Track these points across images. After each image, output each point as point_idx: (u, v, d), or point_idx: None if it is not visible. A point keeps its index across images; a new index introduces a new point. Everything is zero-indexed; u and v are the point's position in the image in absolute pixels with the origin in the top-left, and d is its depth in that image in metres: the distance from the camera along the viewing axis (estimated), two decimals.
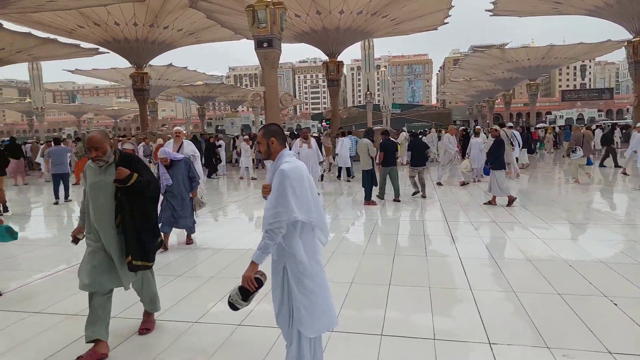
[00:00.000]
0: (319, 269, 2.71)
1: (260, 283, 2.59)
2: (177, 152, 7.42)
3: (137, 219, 3.33)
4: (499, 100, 67.79)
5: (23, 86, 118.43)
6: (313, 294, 2.62)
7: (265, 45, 20.06)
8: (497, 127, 10.33)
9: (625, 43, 30.73)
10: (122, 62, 31.44)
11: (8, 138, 20.41)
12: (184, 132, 7.60)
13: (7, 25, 25.68)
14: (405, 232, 7.22)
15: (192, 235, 6.74)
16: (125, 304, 4.13)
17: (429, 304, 4.10)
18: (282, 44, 21.41)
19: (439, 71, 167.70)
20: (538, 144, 27.26)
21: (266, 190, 2.70)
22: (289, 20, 26.11)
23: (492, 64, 49.67)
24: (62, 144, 13.55)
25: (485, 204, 9.31)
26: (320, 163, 12.25)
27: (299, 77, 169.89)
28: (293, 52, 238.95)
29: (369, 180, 10.01)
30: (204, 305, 4.22)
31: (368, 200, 9.86)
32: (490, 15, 34.24)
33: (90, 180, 3.35)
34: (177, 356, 3.29)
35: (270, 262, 2.70)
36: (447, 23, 34.32)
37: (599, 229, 7.09)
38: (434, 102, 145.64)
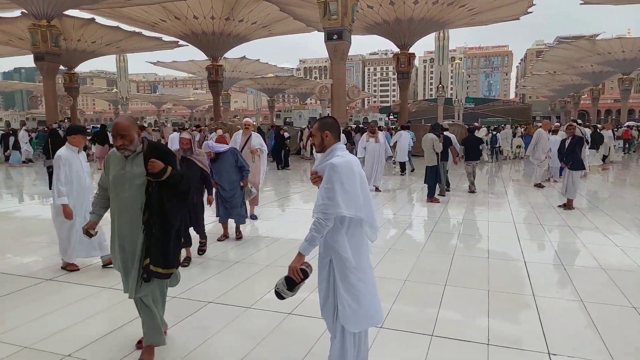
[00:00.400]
0: (366, 265, 2.69)
1: (305, 274, 2.60)
2: (245, 144, 7.45)
3: (166, 218, 2.94)
4: (586, 95, 62.61)
5: (111, 77, 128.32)
6: (358, 291, 2.60)
7: (335, 37, 20.07)
8: (574, 123, 9.55)
9: None
10: (200, 55, 33.03)
11: (98, 125, 22.32)
12: (253, 123, 7.44)
13: (99, 19, 27.95)
14: (468, 231, 6.95)
15: (242, 227, 6.53)
16: (186, 284, 4.37)
17: (485, 308, 3.93)
18: (352, 36, 21.32)
19: (520, 64, 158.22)
20: (629, 144, 24.89)
21: (314, 177, 2.71)
22: (361, 11, 25.90)
23: (579, 56, 45.90)
24: (144, 131, 14.60)
25: (560, 206, 8.70)
26: (389, 159, 11.61)
27: (368, 69, 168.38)
28: (364, 44, 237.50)
29: (432, 176, 9.72)
30: (258, 292, 4.37)
31: (431, 197, 9.59)
32: (581, 4, 31.63)
33: (114, 171, 3.00)
34: (230, 338, 3.44)
35: (317, 255, 2.71)
36: (531, 12, 32.23)
37: None
38: (512, 96, 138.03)
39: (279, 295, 2.67)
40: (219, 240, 6.20)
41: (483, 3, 28.42)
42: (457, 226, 7.32)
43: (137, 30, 30.11)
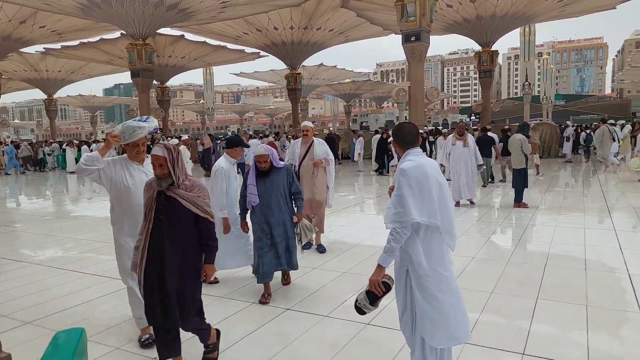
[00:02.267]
0: (447, 275, 2.56)
1: (387, 287, 2.53)
2: (305, 155, 5.95)
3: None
4: None
5: (198, 89, 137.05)
6: (437, 301, 2.48)
7: (412, 39, 19.71)
8: None
9: None
10: (279, 64, 34.17)
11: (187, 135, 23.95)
12: (313, 128, 6.11)
13: (188, 36, 30.03)
14: (561, 239, 6.40)
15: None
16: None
17: (584, 325, 3.59)
18: (431, 36, 20.80)
19: (616, 56, 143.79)
20: None
21: (390, 191, 2.65)
22: (440, 11, 25.19)
23: None
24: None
25: None
26: (479, 167, 9.73)
27: (448, 69, 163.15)
28: (442, 44, 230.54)
29: (520, 180, 9.12)
30: (335, 299, 4.35)
31: (519, 202, 9.01)
32: None
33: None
34: (308, 346, 3.46)
35: (394, 265, 2.64)
36: (630, 0, 29.20)
37: None
38: (608, 91, 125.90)
39: (360, 311, 2.60)
40: (261, 302, 4.31)
41: None
42: (548, 233, 6.78)
43: (222, 44, 31.91)
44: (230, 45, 32.27)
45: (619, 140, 15.14)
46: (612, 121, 17.24)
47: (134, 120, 3.44)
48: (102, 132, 79.02)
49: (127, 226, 3.45)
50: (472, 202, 9.46)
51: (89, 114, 66.19)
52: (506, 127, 15.68)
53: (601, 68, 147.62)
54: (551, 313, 3.86)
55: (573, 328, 3.56)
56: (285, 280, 4.85)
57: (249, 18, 27.11)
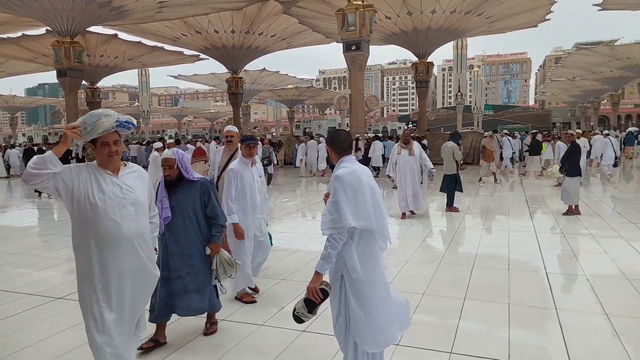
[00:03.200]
0: (380, 279, 2.63)
1: (325, 294, 2.54)
2: (226, 166, 4.92)
3: None
4: (606, 101, 61.39)
5: (133, 91, 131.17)
6: (371, 306, 2.54)
7: (353, 48, 20.18)
8: (572, 132, 9.69)
9: None
10: (220, 68, 33.58)
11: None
12: (238, 133, 5.29)
13: (121, 35, 28.71)
14: (487, 242, 6.81)
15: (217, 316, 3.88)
16: None
17: (506, 321, 3.83)
18: (370, 46, 21.38)
19: (539, 70, 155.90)
20: None
21: (326, 198, 2.69)
22: (379, 22, 25.98)
23: (599, 61, 44.99)
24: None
25: (564, 214, 8.60)
26: (430, 172, 8.79)
27: (387, 78, 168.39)
28: (383, 54, 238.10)
29: (452, 185, 9.59)
30: (272, 308, 4.32)
31: (450, 206, 9.46)
32: (599, 10, 31.04)
33: None
34: (241, 357, 3.39)
35: (328, 271, 2.66)
36: (549, 20, 31.81)
37: None
38: (531, 103, 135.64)
39: (298, 319, 2.59)
40: (142, 348, 3.34)
41: (501, 11, 28.20)
42: (476, 236, 7.19)
43: (159, 45, 30.81)
44: (167, 47, 31.24)
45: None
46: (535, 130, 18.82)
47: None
48: (24, 134, 73.22)
49: (96, 263, 2.51)
50: (413, 212, 9.01)
51: (8, 115, 61.22)
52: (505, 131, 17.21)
53: (525, 81, 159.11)
54: (477, 312, 4.09)
55: (496, 325, 3.79)
56: (206, 329, 3.70)
57: (188, 20, 26.43)
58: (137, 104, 53.80)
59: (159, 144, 11.20)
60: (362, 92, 21.73)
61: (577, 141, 10.03)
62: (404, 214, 8.74)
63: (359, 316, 2.53)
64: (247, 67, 34.66)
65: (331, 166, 17.42)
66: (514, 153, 18.97)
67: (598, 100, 62.82)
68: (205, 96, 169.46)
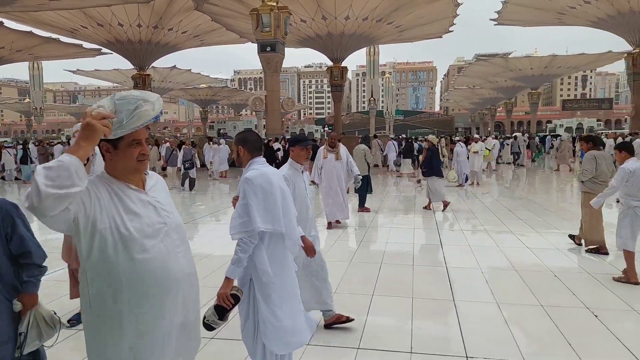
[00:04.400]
0: (290, 282, 2.64)
1: (237, 299, 2.47)
2: None
3: None
4: (501, 108, 67.80)
5: (23, 86, 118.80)
6: (280, 308, 2.53)
7: (268, 49, 20.11)
8: (431, 138, 10.82)
9: (625, 55, 30.73)
10: (125, 64, 31.61)
11: (6, 139, 20.49)
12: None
13: (8, 23, 25.84)
14: (395, 240, 7.13)
15: None
16: None
17: (409, 314, 4.02)
18: (287, 48, 21.47)
19: (443, 78, 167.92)
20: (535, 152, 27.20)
21: (235, 202, 2.64)
22: (294, 24, 26.16)
23: (495, 72, 49.69)
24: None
25: (424, 208, 9.86)
26: (356, 179, 8.16)
27: (304, 81, 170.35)
28: (300, 56, 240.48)
29: (364, 186, 9.92)
30: None
31: (362, 207, 9.78)
32: (495, 25, 34.23)
33: None
34: None
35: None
36: (452, 31, 34.32)
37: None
38: (437, 109, 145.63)
39: (209, 327, 2.48)
40: None
41: (409, 21, 29.84)
42: (385, 235, 7.50)
43: (54, 36, 28.18)
44: (65, 39, 28.70)
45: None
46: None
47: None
48: None
49: (128, 324, 1.69)
50: (339, 222, 8.27)
51: None
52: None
53: (432, 88, 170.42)
54: (384, 307, 4.25)
55: (401, 319, 3.96)
56: None
57: (89, 11, 24.53)
58: (28, 100, 48.76)
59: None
60: (278, 94, 21.73)
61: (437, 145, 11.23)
62: (329, 223, 8.04)
63: (268, 319, 2.51)
64: (155, 64, 33.02)
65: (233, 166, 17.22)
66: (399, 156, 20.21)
67: (494, 107, 69.20)
68: (108, 93, 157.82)
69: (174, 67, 41.41)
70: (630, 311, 4.06)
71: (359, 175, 8.23)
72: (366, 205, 9.85)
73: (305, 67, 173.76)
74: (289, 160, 3.57)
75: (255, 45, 20.73)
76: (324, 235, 7.53)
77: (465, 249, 6.48)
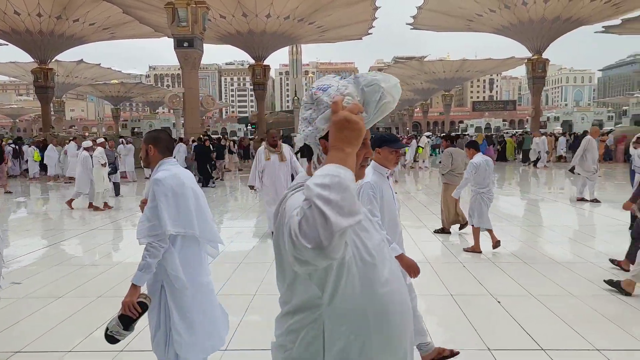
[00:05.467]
0: (205, 287, 2.54)
1: (144, 307, 2.34)
2: None
3: None
4: (418, 109, 71.48)
5: None
6: (196, 313, 2.44)
7: (185, 45, 19.38)
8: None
9: (526, 60, 33.86)
10: (24, 56, 28.75)
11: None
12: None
13: None
14: None
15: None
16: None
17: None
18: (206, 44, 20.82)
19: None
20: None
21: (143, 205, 2.49)
22: (213, 20, 25.48)
23: (411, 74, 52.24)
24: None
25: None
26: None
27: (225, 79, 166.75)
28: (220, 53, 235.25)
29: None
30: (83, 330, 3.79)
31: None
32: (411, 29, 35.97)
33: None
34: None
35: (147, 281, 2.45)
36: (371, 34, 35.49)
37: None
38: None
39: (113, 339, 2.32)
40: None
41: (330, 22, 30.35)
42: None
43: None
44: None
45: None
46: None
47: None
48: None
49: None
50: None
51: None
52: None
53: None
54: None
55: None
56: None
57: None
58: None
59: (88, 142, 10.83)
60: (197, 92, 21.04)
61: None
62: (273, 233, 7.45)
63: (181, 326, 2.41)
64: (60, 57, 30.42)
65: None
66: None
67: (412, 108, 72.79)
68: (4, 88, 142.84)
69: (81, 61, 38.46)
70: (528, 296, 4.43)
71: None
72: None
73: (226, 64, 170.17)
74: (372, 163, 2.96)
75: (171, 40, 19.87)
76: (241, 237, 7.39)
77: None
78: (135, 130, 36.36)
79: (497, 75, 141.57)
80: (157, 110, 69.79)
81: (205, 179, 14.45)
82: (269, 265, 5.60)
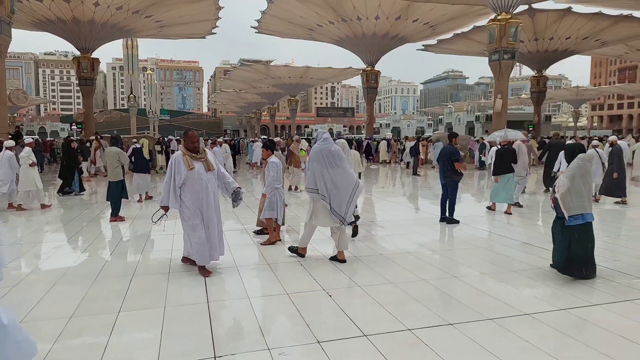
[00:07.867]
0: None
1: None
2: None
3: None
4: (266, 112, 72.76)
5: None
6: None
7: None
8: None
9: (361, 71, 37.20)
10: None
11: None
12: None
13: None
14: (153, 248, 6.74)
15: None
16: None
17: (159, 326, 3.80)
18: (17, 29, 17.80)
19: (210, 80, 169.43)
20: None
21: None
22: (27, 3, 22.06)
23: (258, 78, 52.88)
24: None
25: None
26: (235, 195, 5.53)
27: (44, 71, 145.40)
28: (37, 41, 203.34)
29: (118, 192, 9.03)
30: None
31: (116, 215, 8.86)
32: (256, 32, 36.36)
33: None
34: None
35: None
36: (215, 34, 34.85)
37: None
38: (205, 110, 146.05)
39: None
40: None
41: (170, 17, 28.92)
42: (142, 243, 7.00)
43: None
44: None
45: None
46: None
47: None
48: None
49: None
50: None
51: None
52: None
53: (199, 89, 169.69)
54: (131, 324, 3.91)
55: (150, 330, 3.72)
56: None
57: None
58: None
59: (10, 142, 10.34)
60: (4, 84, 17.91)
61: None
62: (203, 267, 5.33)
63: None
64: None
65: None
66: None
67: (260, 111, 73.63)
68: None
69: None
70: (355, 287, 4.84)
71: (239, 188, 5.58)
72: (120, 214, 8.97)
73: (45, 54, 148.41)
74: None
75: None
76: (58, 253, 6.51)
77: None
78: None
79: (338, 83, 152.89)
80: None
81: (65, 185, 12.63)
82: (92, 280, 5.04)
